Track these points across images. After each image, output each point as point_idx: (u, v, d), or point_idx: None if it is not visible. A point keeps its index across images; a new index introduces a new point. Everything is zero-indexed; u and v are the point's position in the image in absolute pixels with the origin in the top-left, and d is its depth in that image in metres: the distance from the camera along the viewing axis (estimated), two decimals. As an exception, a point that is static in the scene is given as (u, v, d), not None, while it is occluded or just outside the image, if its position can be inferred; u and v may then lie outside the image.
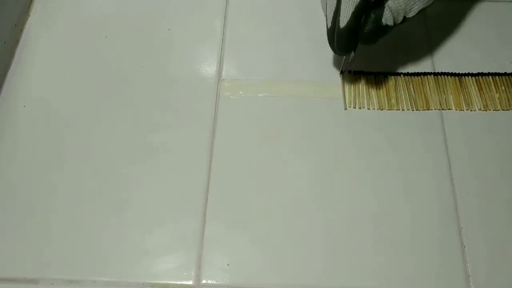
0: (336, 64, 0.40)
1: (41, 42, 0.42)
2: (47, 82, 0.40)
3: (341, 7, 0.32)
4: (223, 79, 0.40)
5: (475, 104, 0.38)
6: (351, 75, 0.39)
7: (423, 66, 0.40)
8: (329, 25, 0.34)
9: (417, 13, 0.33)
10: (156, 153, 0.36)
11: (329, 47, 0.35)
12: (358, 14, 0.32)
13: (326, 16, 0.34)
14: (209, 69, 0.40)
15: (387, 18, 0.32)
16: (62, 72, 0.40)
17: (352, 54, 0.35)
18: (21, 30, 0.42)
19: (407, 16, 0.33)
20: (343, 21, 0.32)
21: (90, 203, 0.34)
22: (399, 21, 0.33)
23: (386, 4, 0.32)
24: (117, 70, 0.40)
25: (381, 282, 0.32)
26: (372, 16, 0.32)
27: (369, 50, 0.40)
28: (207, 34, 0.42)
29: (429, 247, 0.33)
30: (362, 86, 0.39)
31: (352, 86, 0.39)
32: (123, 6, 0.44)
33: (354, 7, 0.31)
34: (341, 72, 0.39)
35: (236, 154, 0.36)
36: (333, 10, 0.33)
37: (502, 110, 0.38)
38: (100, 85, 0.39)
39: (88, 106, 0.38)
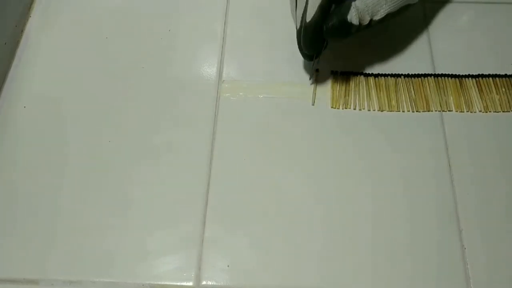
0: (337, 65, 0.40)
1: (41, 43, 0.42)
2: (47, 83, 0.40)
3: (309, 2, 0.32)
4: (224, 80, 0.40)
5: (476, 106, 0.38)
6: (351, 76, 0.39)
7: (424, 67, 0.40)
8: (298, 26, 0.34)
9: (383, 17, 0.33)
10: (157, 154, 0.36)
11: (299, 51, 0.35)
12: (326, 7, 0.31)
13: (295, 20, 0.34)
14: (210, 70, 0.40)
15: (352, 16, 0.32)
16: (62, 73, 0.40)
17: (317, 59, 0.36)
18: (22, 31, 0.42)
19: (374, 19, 0.33)
20: (310, 15, 0.32)
21: (90, 204, 0.34)
22: (365, 22, 0.33)
23: (352, 3, 0.32)
24: (117, 71, 0.40)
25: (381, 284, 0.32)
26: (338, 11, 0.32)
27: (369, 51, 0.40)
28: (207, 35, 0.42)
29: (429, 249, 0.33)
30: (362, 88, 0.39)
31: (352, 88, 0.39)
32: (124, 7, 0.44)
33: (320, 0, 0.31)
34: (310, 78, 0.38)
35: (236, 155, 0.36)
36: (302, 10, 0.33)
37: (503, 111, 0.38)
38: (100, 86, 0.39)
39: (89, 106, 0.38)
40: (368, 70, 0.40)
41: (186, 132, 0.37)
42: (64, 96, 0.39)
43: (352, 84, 0.39)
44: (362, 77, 0.39)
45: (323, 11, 0.32)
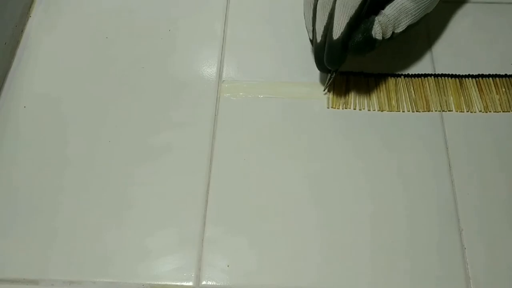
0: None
1: (42, 43, 0.42)
2: (47, 83, 0.40)
3: (334, 19, 0.32)
4: (224, 81, 0.40)
5: (476, 106, 0.38)
6: (351, 76, 0.39)
7: (424, 67, 0.40)
8: (319, 39, 0.34)
9: (404, 29, 0.34)
10: (157, 154, 0.36)
11: (315, 63, 0.35)
12: (353, 25, 0.32)
13: (314, 32, 0.34)
14: (210, 70, 0.40)
15: (376, 32, 0.32)
16: (62, 73, 0.40)
17: (335, 72, 0.36)
18: (22, 31, 0.42)
19: (395, 31, 0.33)
20: (337, 32, 0.32)
21: (90, 204, 0.34)
22: (387, 36, 0.33)
23: (376, 18, 0.32)
24: (117, 71, 0.40)
25: (381, 284, 0.32)
26: (362, 27, 0.32)
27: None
28: (207, 35, 0.42)
29: (429, 249, 0.33)
30: (362, 88, 0.39)
31: (352, 88, 0.39)
32: (124, 7, 0.44)
33: (349, 18, 0.31)
34: (325, 90, 0.39)
35: (236, 156, 0.36)
36: (324, 24, 0.33)
37: (503, 111, 0.38)
38: (100, 86, 0.39)
39: (89, 107, 0.38)
40: (368, 70, 0.40)
41: (186, 132, 0.37)
42: (64, 96, 0.39)
43: (352, 84, 0.39)
44: (362, 77, 0.39)
45: (351, 29, 0.32)
